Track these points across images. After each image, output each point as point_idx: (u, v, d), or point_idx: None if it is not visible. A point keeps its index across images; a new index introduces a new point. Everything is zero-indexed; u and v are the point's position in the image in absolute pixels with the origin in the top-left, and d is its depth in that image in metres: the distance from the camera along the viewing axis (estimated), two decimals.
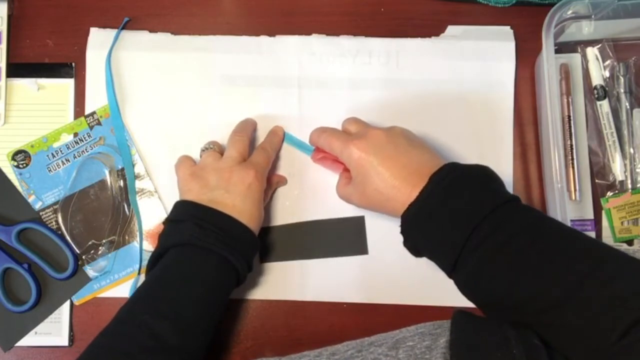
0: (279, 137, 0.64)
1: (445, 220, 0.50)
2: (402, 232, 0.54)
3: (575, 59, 0.66)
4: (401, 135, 0.56)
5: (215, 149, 0.61)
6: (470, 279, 0.49)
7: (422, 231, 0.52)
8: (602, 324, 0.41)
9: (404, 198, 0.52)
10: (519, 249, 0.47)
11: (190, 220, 0.54)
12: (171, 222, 0.56)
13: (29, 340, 0.62)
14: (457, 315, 0.46)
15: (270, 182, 0.62)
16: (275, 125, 0.65)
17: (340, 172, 0.62)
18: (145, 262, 0.62)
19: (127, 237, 0.64)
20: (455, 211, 0.50)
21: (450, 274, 0.51)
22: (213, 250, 0.53)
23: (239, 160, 0.59)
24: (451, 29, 0.66)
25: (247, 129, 0.63)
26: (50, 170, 0.64)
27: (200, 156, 0.61)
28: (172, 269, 0.54)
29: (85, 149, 0.65)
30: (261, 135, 0.65)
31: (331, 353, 0.47)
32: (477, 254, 0.48)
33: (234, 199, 0.56)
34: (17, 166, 0.64)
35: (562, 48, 0.66)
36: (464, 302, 0.61)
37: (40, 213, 0.64)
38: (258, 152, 0.61)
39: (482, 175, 0.52)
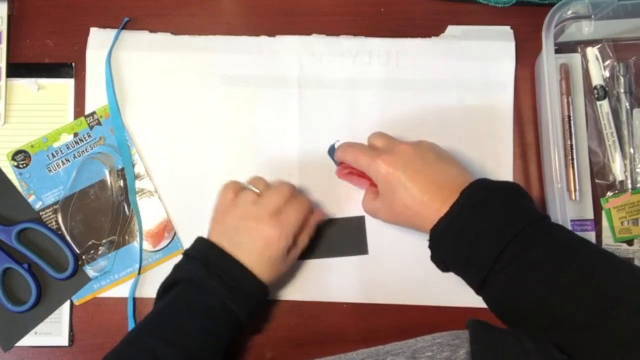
0: (322, 216, 0.61)
1: (476, 236, 0.49)
2: (430, 247, 0.53)
3: (575, 59, 0.66)
4: (429, 150, 0.56)
5: (257, 191, 0.57)
6: (500, 296, 0.49)
7: (451, 246, 0.51)
8: (632, 350, 0.41)
9: (433, 213, 0.52)
10: (551, 268, 0.46)
11: (201, 260, 0.55)
12: (186, 256, 0.57)
13: (29, 340, 0.62)
14: (474, 325, 0.45)
15: (296, 241, 0.58)
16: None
17: (365, 188, 0.61)
18: (145, 262, 0.63)
19: (127, 237, 0.64)
20: (485, 227, 0.49)
21: (478, 290, 0.51)
22: (215, 292, 0.53)
23: (272, 213, 0.55)
24: (451, 29, 0.66)
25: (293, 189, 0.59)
26: (50, 170, 0.64)
27: (244, 186, 0.59)
28: (177, 300, 0.54)
29: (85, 149, 0.65)
30: (262, 135, 0.65)
31: None
32: (507, 272, 0.48)
33: (250, 251, 0.55)
34: (17, 166, 0.64)
35: (562, 48, 0.65)
36: (463, 302, 0.61)
37: (40, 213, 0.64)
38: (294, 212, 0.56)
39: (514, 192, 0.52)
